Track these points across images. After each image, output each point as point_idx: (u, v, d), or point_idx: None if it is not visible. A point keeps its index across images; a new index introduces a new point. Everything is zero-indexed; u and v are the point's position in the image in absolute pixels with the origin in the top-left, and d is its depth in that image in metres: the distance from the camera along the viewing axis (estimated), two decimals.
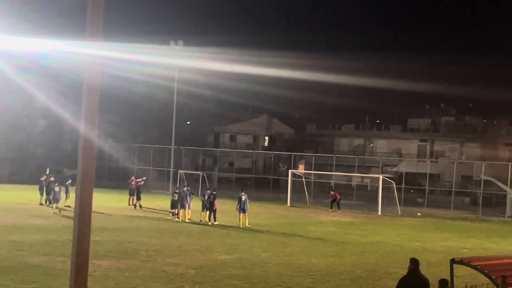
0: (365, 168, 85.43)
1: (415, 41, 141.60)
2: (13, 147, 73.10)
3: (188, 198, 41.53)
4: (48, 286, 19.60)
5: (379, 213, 53.70)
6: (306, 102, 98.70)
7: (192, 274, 22.79)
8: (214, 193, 40.87)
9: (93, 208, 8.54)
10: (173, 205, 41.69)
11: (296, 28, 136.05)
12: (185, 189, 42.78)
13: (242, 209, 39.32)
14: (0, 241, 28.21)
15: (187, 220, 40.73)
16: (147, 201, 49.33)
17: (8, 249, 26.23)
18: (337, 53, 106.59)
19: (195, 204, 42.31)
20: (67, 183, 46.00)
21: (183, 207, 41.34)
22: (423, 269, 24.26)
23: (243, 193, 40.00)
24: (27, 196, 52.57)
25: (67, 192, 45.46)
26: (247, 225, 38.68)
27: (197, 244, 30.39)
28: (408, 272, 13.93)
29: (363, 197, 65.15)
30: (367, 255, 29.88)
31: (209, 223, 39.66)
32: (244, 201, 39.52)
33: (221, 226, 38.84)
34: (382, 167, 78.45)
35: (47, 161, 67.91)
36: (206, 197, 40.75)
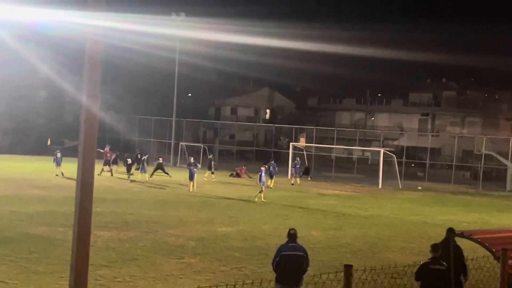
0: (366, 141, 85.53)
1: (418, 12, 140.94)
2: (14, 118, 73.06)
3: (193, 170, 42.85)
4: (49, 256, 19.67)
5: (380, 186, 53.85)
6: (307, 75, 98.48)
7: (193, 245, 22.88)
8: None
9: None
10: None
11: None
12: (191, 161, 44.18)
13: (263, 182, 39.41)
14: (1, 211, 28.29)
15: (194, 190, 41.69)
16: (148, 172, 49.35)
17: (9, 219, 26.31)
18: (339, 23, 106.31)
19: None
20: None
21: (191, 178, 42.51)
22: (423, 243, 24.44)
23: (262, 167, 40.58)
24: (29, 166, 52.73)
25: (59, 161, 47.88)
26: (256, 199, 38.61)
27: (198, 216, 30.48)
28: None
29: (364, 171, 65.27)
30: (367, 228, 29.98)
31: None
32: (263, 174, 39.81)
33: (222, 198, 38.95)
34: (383, 141, 78.61)
35: (49, 132, 68.06)
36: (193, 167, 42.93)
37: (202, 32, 63.41)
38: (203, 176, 50.58)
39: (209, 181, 49.90)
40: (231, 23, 59.80)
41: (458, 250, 14.75)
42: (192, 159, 44.90)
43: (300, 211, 35.17)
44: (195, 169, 42.87)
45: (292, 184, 51.45)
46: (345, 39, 75.58)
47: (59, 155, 47.93)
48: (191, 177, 42.42)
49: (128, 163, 48.67)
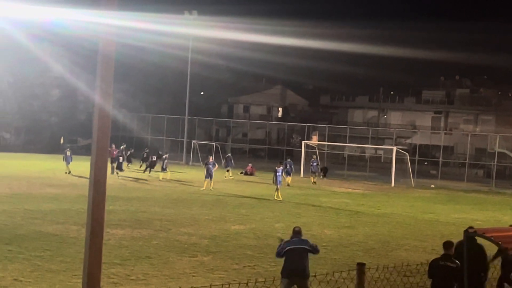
0: (378, 140, 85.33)
1: (431, 10, 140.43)
2: (27, 117, 73.37)
3: (212, 168, 42.95)
4: (62, 254, 19.73)
5: (392, 184, 53.73)
6: (320, 72, 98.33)
7: (206, 243, 22.90)
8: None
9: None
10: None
11: None
12: (210, 160, 44.19)
13: (279, 182, 39.47)
14: (15, 209, 28.40)
15: (212, 188, 41.77)
16: (159, 171, 49.44)
17: (23, 217, 26.41)
18: (352, 21, 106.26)
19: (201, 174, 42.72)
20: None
21: (210, 177, 42.47)
22: (436, 241, 24.37)
23: (278, 167, 40.61)
24: (42, 165, 52.90)
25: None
26: (277, 198, 38.45)
27: (210, 214, 30.50)
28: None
29: (377, 169, 65.12)
30: (380, 226, 29.93)
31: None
32: (279, 174, 39.83)
33: (234, 196, 38.99)
34: (396, 139, 78.42)
35: (61, 131, 68.30)
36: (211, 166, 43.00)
37: (215, 30, 63.48)
38: (224, 175, 51.29)
39: (225, 179, 50.20)
40: (243, 21, 59.84)
41: (480, 249, 14.73)
42: (211, 159, 44.98)
43: (313, 209, 35.15)
44: (213, 168, 42.92)
45: (314, 183, 51.19)
46: (358, 37, 75.56)
47: (68, 153, 48.19)
48: (209, 176, 42.41)
49: (153, 160, 51.11)
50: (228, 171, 52.36)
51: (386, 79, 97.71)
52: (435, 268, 13.53)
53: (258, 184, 48.48)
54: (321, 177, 56.17)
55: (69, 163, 47.61)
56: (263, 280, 13.69)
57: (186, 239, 23.44)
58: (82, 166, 46.10)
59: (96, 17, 7.55)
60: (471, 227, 14.36)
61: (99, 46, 7.51)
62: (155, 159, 51.47)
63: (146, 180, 46.86)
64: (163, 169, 47.98)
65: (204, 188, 41.70)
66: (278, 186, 39.17)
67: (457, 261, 13.44)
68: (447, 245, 13.86)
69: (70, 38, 60.10)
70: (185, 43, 65.97)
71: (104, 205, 7.56)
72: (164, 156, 49.08)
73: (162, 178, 47.16)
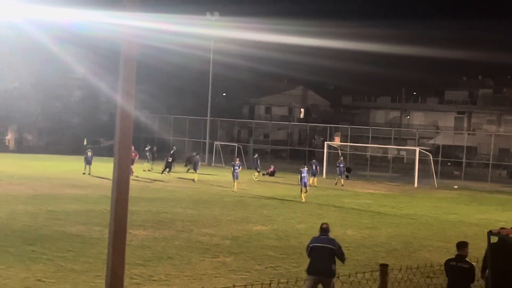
0: (401, 140, 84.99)
1: (453, 9, 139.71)
2: (50, 118, 73.81)
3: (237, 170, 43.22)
4: (85, 254, 19.81)
5: (415, 185, 53.50)
6: (342, 73, 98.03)
7: (228, 244, 22.90)
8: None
9: None
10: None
11: None
12: (237, 162, 44.55)
13: (304, 183, 39.28)
14: (38, 210, 28.56)
15: (235, 190, 41.72)
16: (181, 172, 49.60)
17: (46, 218, 26.56)
18: (374, 21, 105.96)
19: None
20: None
21: (236, 178, 42.70)
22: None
23: (302, 168, 40.40)
24: (64, 166, 53.18)
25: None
26: (303, 200, 38.12)
27: (232, 215, 30.50)
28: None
29: (399, 170, 64.92)
30: (402, 227, 29.78)
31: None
32: (304, 175, 39.64)
33: (256, 197, 38.98)
34: (418, 140, 77.96)
35: (84, 132, 68.64)
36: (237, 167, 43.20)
37: (236, 31, 63.46)
38: (253, 176, 51.75)
39: (253, 180, 50.61)
40: (264, 22, 59.82)
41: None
42: (238, 160, 45.16)
43: (335, 210, 35.06)
44: (238, 170, 43.06)
45: (342, 185, 50.60)
46: (380, 37, 75.27)
47: (89, 154, 48.43)
48: (236, 177, 42.49)
49: (169, 161, 51.26)
50: (258, 172, 52.66)
51: (408, 79, 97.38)
52: (447, 268, 13.60)
53: (280, 185, 48.45)
54: (345, 177, 55.98)
55: (89, 164, 47.87)
56: (286, 281, 13.65)
57: (208, 240, 23.45)
58: (103, 167, 46.48)
59: (118, 18, 7.55)
60: (503, 228, 14.26)
61: (121, 47, 7.51)
62: (170, 160, 51.74)
63: (164, 180, 46.92)
64: (194, 169, 48.47)
65: (235, 190, 41.71)
66: (305, 188, 38.93)
67: (470, 262, 13.42)
68: (460, 245, 13.83)
69: (92, 39, 60.30)
70: (207, 44, 66.10)
71: (127, 206, 7.56)
72: (196, 157, 49.76)
73: (196, 180, 47.51)
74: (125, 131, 7.56)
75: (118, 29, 7.56)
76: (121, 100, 7.50)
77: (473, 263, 13.54)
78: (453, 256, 13.92)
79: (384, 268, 7.97)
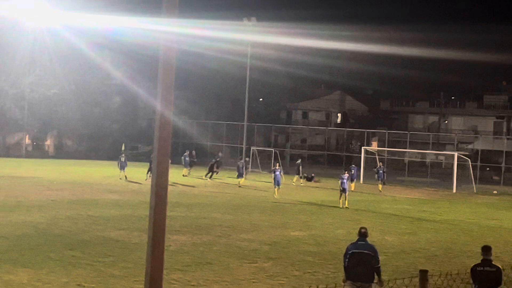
0: (439, 145, 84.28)
1: (493, 13, 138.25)
2: (89, 124, 74.44)
3: (279, 175, 43.09)
4: (125, 259, 19.95)
5: (454, 190, 53.00)
6: (380, 77, 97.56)
7: (266, 249, 22.90)
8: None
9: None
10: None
11: (370, 0, 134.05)
12: (277, 167, 44.48)
13: (344, 189, 38.54)
14: (78, 215, 28.84)
15: (276, 196, 41.56)
16: (221, 176, 49.73)
17: (86, 223, 26.80)
18: (412, 25, 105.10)
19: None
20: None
21: (278, 184, 42.61)
22: (500, 248, 23.95)
23: (343, 174, 39.88)
24: (103, 171, 53.60)
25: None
26: (346, 206, 37.61)
27: (270, 220, 30.50)
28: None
29: (438, 175, 64.36)
30: (442, 233, 29.52)
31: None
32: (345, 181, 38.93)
33: (294, 203, 38.94)
34: (457, 144, 77.22)
35: (122, 137, 69.13)
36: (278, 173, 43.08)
37: (273, 36, 63.57)
38: (291, 181, 51.66)
39: (297, 186, 50.74)
40: (302, 27, 59.86)
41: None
42: (278, 165, 45.25)
43: (373, 215, 34.88)
44: (279, 175, 42.98)
45: (380, 191, 49.60)
46: (418, 41, 74.82)
47: (123, 159, 48.76)
48: (277, 183, 42.40)
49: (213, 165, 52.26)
50: (301, 177, 52.70)
51: (447, 84, 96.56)
52: (474, 274, 13.47)
53: (318, 190, 48.35)
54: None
55: (123, 169, 48.17)
56: (324, 286, 13.62)
57: (247, 245, 23.47)
58: (141, 173, 46.81)
59: (157, 24, 7.60)
60: None
61: (159, 53, 7.56)
62: (214, 164, 52.35)
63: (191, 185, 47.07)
64: (243, 175, 49.19)
65: (276, 196, 41.58)
66: (344, 193, 38.31)
67: (497, 265, 13.31)
68: (485, 250, 13.69)
69: (131, 45, 60.91)
70: (244, 49, 66.16)
71: (165, 211, 7.60)
72: (242, 163, 50.26)
73: (241, 184, 48.13)
74: (164, 138, 7.60)
75: (157, 35, 7.61)
76: (160, 107, 7.54)
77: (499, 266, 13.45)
78: (479, 262, 13.79)
79: (423, 274, 7.91)
